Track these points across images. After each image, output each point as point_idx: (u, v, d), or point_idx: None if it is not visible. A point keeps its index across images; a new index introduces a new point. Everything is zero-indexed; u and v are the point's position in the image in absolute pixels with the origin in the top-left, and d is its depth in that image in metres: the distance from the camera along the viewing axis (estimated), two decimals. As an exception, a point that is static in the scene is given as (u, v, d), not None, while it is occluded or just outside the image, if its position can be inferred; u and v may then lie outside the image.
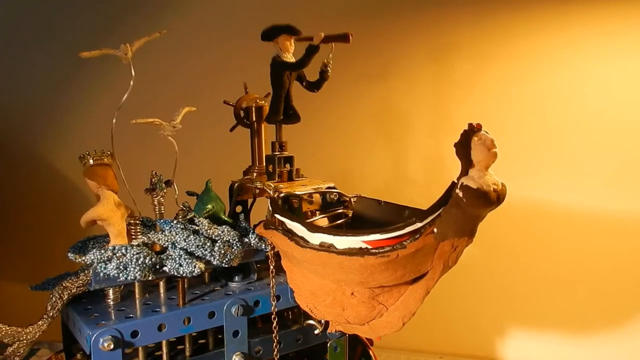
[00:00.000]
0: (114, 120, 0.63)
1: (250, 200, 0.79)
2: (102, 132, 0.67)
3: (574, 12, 1.08)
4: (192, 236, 0.61)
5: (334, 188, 0.73)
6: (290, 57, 0.74)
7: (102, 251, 0.57)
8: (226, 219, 0.70)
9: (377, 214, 0.71)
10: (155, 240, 0.61)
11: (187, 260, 0.60)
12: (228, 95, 0.81)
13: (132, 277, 0.57)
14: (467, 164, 0.48)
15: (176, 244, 0.61)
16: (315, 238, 0.58)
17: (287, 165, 0.77)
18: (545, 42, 1.10)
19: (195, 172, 0.78)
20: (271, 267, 0.67)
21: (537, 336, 1.18)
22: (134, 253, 0.57)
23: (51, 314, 0.64)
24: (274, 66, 0.74)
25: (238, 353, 0.66)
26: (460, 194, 0.48)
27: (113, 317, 0.61)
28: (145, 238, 0.60)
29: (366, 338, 0.83)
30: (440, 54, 1.13)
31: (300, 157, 0.78)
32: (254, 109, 0.79)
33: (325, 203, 0.73)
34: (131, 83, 0.63)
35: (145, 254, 0.58)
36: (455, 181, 0.50)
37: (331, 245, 0.56)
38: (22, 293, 0.74)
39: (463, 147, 0.48)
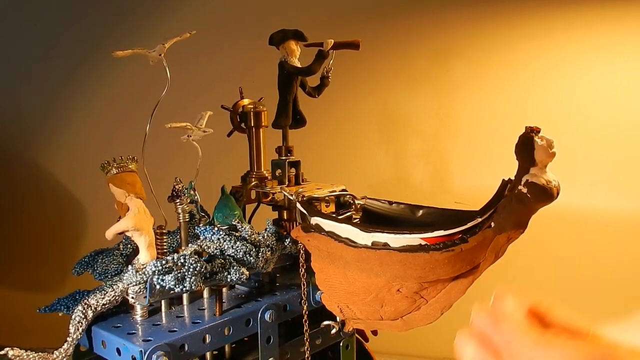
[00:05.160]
0: (147, 127, 0.59)
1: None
2: (96, 138, 0.62)
3: (574, 17, 1.13)
4: (238, 243, 0.59)
5: (345, 191, 0.75)
6: (296, 62, 0.75)
7: (163, 262, 0.53)
8: (245, 224, 0.69)
9: (388, 213, 0.74)
10: (205, 247, 0.58)
11: (234, 268, 0.58)
12: (224, 99, 0.79)
13: (187, 288, 0.55)
14: (528, 163, 0.53)
15: (224, 252, 0.59)
16: (366, 238, 0.60)
17: (293, 170, 0.77)
18: (544, 47, 1.15)
19: (185, 177, 0.75)
20: (302, 270, 0.67)
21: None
22: (192, 262, 0.54)
23: (76, 335, 0.58)
24: (283, 71, 0.74)
25: (271, 359, 0.66)
26: (525, 190, 0.53)
27: (155, 332, 0.58)
28: (196, 246, 0.58)
29: (362, 335, 0.86)
30: (441, 59, 1.18)
31: (303, 161, 0.79)
32: (252, 114, 0.78)
33: (339, 205, 0.74)
34: (167, 85, 0.60)
35: (200, 263, 0.55)
36: (512, 179, 0.55)
37: (385, 244, 0.59)
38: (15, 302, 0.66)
39: (524, 148, 0.53)
